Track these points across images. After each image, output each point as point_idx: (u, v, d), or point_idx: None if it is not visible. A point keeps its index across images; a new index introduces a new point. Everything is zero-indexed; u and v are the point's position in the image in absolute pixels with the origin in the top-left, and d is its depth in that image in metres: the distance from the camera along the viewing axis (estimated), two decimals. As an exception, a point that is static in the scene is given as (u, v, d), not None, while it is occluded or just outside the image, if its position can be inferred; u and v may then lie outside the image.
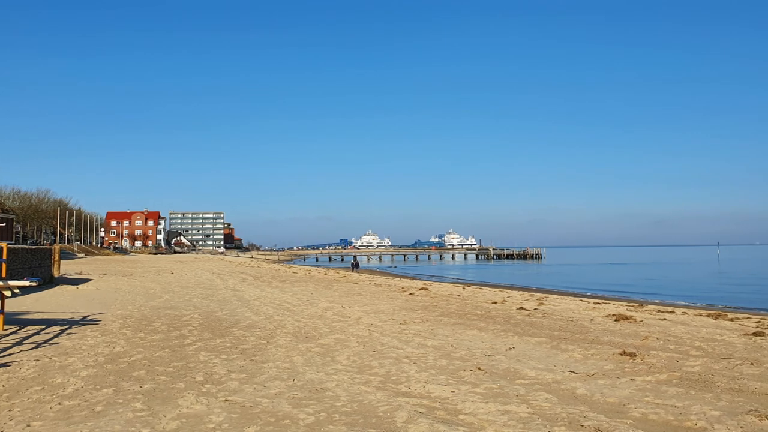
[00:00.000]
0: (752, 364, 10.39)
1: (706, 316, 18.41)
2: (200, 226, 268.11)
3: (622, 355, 11.23)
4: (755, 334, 13.93)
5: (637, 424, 6.92)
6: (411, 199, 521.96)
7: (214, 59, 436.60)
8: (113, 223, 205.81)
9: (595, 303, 23.64)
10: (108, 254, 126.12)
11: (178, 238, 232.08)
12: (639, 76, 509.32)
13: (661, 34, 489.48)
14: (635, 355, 11.12)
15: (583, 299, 27.08)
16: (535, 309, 20.28)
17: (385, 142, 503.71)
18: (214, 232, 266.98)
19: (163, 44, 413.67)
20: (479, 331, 15.03)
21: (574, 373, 9.85)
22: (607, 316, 17.87)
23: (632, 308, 21.14)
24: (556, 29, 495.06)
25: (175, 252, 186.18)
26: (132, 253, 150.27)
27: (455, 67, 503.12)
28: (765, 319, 18.05)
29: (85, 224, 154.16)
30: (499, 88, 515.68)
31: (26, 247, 37.76)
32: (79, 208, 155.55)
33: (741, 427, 6.69)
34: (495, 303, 22.81)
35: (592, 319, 17.29)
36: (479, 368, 10.15)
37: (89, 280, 38.16)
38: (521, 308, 20.39)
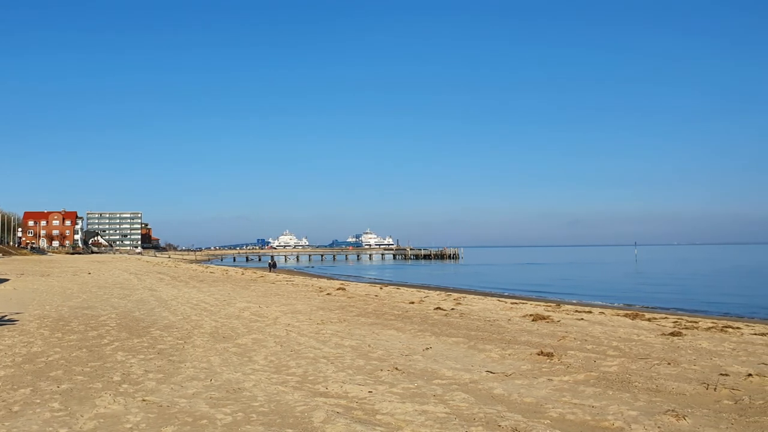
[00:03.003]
0: (669, 364, 10.55)
1: (624, 316, 18.84)
2: (117, 226, 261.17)
3: (539, 355, 11.46)
4: (672, 334, 14.24)
5: (554, 424, 6.96)
6: (328, 199, 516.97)
7: (128, 58, 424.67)
8: (30, 223, 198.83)
9: (512, 303, 24.24)
10: (25, 254, 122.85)
11: (96, 238, 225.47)
12: (554, 75, 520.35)
13: (577, 34, 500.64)
14: (552, 355, 11.25)
15: (500, 299, 27.75)
16: (453, 309, 20.70)
17: (302, 142, 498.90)
18: (132, 232, 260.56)
19: (77, 44, 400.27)
20: (397, 331, 15.28)
21: (491, 373, 10.06)
22: (524, 316, 18.33)
23: (549, 308, 21.67)
24: (470, 28, 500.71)
25: (93, 252, 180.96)
26: (49, 253, 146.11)
27: (373, 67, 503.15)
28: (682, 319, 18.47)
29: (2, 224, 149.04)
30: (416, 88, 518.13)
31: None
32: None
33: (658, 427, 6.77)
34: (412, 303, 23.15)
35: (509, 319, 17.73)
36: (396, 368, 10.33)
37: (6, 280, 37.05)
38: (438, 308, 20.76)
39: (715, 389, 8.60)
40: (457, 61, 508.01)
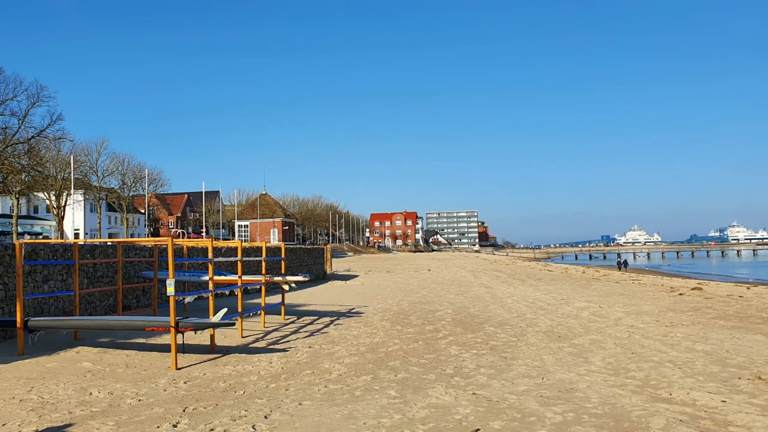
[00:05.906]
0: None
1: None
2: (455, 225, 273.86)
3: None
4: None
5: None
6: (684, 191, 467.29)
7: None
8: (376, 223, 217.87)
9: None
10: (373, 252, 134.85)
11: (435, 237, 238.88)
12: None
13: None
14: None
15: None
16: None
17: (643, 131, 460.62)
18: (469, 230, 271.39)
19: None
20: (764, 336, 13.34)
21: None
22: None
23: None
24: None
25: (433, 250, 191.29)
26: (394, 252, 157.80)
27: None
28: None
29: (353, 225, 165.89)
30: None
31: (303, 246, 41.66)
32: (347, 211, 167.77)
33: None
34: (791, 304, 19.84)
35: None
36: (760, 377, 9.04)
37: (356, 276, 40.93)
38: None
39: None
40: None
